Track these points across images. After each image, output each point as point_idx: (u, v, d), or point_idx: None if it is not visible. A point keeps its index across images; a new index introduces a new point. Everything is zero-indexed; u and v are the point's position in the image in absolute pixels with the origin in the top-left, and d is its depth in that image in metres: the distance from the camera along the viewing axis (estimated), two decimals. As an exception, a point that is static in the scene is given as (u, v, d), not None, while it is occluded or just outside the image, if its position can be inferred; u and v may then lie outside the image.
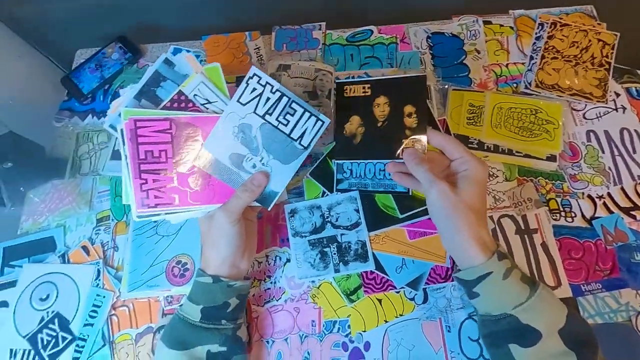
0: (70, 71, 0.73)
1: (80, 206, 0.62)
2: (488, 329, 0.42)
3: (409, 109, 0.50)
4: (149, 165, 0.45)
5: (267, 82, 0.45)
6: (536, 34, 0.68)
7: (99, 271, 0.56)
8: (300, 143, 0.46)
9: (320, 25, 0.73)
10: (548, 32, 0.67)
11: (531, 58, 0.66)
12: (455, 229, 0.42)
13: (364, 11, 0.76)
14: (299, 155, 0.47)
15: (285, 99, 0.45)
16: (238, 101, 0.45)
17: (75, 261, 0.58)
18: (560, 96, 0.62)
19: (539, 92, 0.63)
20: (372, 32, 0.72)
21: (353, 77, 0.68)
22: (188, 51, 0.70)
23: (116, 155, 0.62)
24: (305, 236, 0.56)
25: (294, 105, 0.45)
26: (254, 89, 0.45)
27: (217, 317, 0.45)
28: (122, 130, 0.45)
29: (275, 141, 0.46)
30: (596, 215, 0.56)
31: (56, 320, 0.53)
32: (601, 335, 0.50)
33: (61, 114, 0.70)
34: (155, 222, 0.58)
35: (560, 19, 0.68)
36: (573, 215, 0.56)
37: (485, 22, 0.70)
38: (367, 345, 0.51)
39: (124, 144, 0.45)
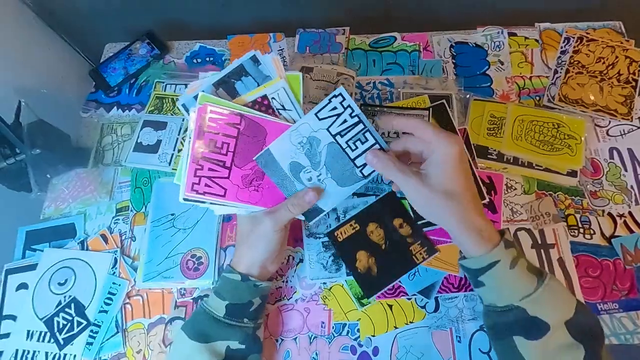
0: (99, 64, 0.75)
1: (101, 195, 0.63)
2: (493, 320, 0.41)
3: (397, 222, 0.55)
4: (209, 153, 0.45)
5: (348, 105, 0.44)
6: (562, 47, 0.68)
7: (116, 260, 0.58)
8: (361, 171, 0.45)
9: (344, 29, 0.74)
10: (574, 47, 0.66)
11: (555, 72, 0.66)
12: (442, 221, 0.41)
13: (388, 18, 0.76)
14: (357, 182, 0.46)
15: (360, 126, 0.44)
16: (316, 114, 0.44)
17: (94, 249, 0.59)
18: (584, 112, 0.62)
19: (562, 107, 0.62)
20: (395, 38, 0.72)
21: (375, 83, 0.68)
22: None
23: (138, 148, 0.63)
24: (320, 237, 0.56)
25: (367, 134, 0.44)
26: (335, 108, 0.44)
27: (240, 314, 0.45)
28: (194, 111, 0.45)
29: (338, 162, 0.45)
30: (616, 233, 0.55)
31: (72, 305, 0.55)
32: (616, 356, 0.49)
33: (88, 104, 0.72)
34: (172, 214, 0.59)
35: (587, 33, 0.67)
36: (592, 232, 0.55)
37: (510, 34, 0.70)
38: (376, 350, 0.51)
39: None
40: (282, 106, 0.47)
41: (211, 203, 0.46)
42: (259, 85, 0.48)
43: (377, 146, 0.45)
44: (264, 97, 0.47)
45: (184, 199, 0.45)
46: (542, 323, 0.37)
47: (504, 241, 0.39)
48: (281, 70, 0.48)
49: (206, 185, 0.45)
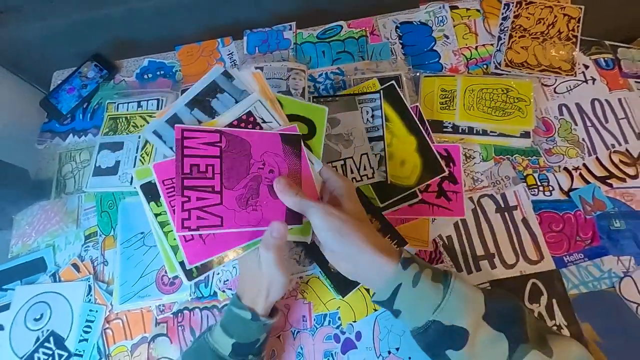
0: (48, 93, 0.74)
1: (67, 225, 0.62)
2: (422, 342, 0.41)
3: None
4: (193, 181, 0.41)
5: None
6: (503, 14, 0.69)
7: (90, 287, 0.57)
8: None
9: (290, 25, 0.74)
10: (514, 12, 0.68)
11: (499, 39, 0.67)
12: (356, 246, 0.40)
13: (332, 7, 0.77)
14: None
15: None
16: None
17: (67, 279, 0.58)
18: (530, 73, 0.63)
19: (509, 71, 0.64)
20: (341, 27, 0.73)
21: (327, 74, 0.68)
22: (161, 65, 0.71)
23: (98, 172, 0.63)
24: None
25: None
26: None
27: (246, 352, 0.44)
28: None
29: None
30: (573, 186, 0.56)
31: (51, 339, 0.54)
32: (587, 304, 0.51)
33: (42, 136, 0.71)
34: (142, 233, 0.59)
35: (525, -3, 0.69)
36: (551, 189, 0.57)
37: (452, 7, 0.71)
38: (359, 335, 0.52)
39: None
40: (262, 119, 0.46)
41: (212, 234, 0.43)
42: (236, 101, 0.46)
43: None
44: (249, 113, 0.45)
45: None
46: (459, 329, 0.38)
47: (402, 261, 0.40)
48: (263, 85, 0.46)
49: (198, 218, 0.41)
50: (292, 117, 0.48)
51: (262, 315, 0.44)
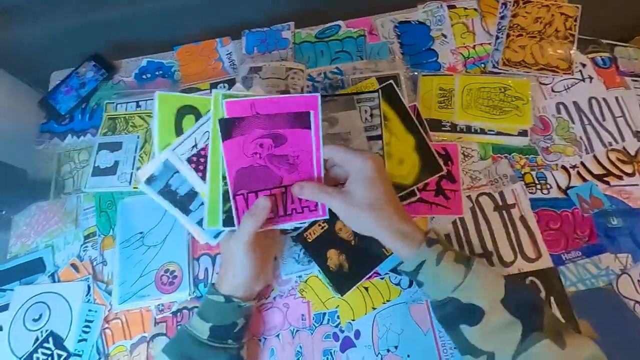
0: (47, 93, 0.74)
1: (66, 225, 0.62)
2: (438, 314, 0.44)
3: None
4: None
5: None
6: (500, 13, 0.69)
7: (89, 287, 0.57)
8: None
9: (288, 25, 0.74)
10: (512, 11, 0.68)
11: (497, 38, 0.67)
12: (371, 231, 0.43)
13: (330, 7, 0.77)
14: None
15: None
16: None
17: (65, 279, 0.58)
18: (528, 72, 0.63)
19: (507, 70, 0.64)
20: (340, 27, 0.73)
21: (325, 73, 0.68)
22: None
23: (97, 172, 0.63)
24: (288, 232, 0.57)
25: None
26: None
27: (224, 336, 0.45)
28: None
29: None
30: (571, 184, 0.57)
31: (50, 339, 0.54)
32: (585, 301, 0.51)
33: (41, 136, 0.71)
34: (141, 233, 0.59)
35: (522, -4, 0.69)
36: (549, 187, 0.57)
37: (450, 7, 0.71)
38: (358, 334, 0.52)
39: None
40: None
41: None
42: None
43: None
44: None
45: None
46: (477, 308, 0.40)
47: (427, 240, 0.42)
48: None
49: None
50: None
51: (235, 297, 0.45)
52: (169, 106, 0.46)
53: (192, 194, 0.46)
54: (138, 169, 0.62)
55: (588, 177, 0.57)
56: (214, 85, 0.69)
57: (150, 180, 0.46)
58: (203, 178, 0.45)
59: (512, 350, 0.38)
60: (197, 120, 0.46)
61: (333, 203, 0.43)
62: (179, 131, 0.46)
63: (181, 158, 0.45)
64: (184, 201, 0.46)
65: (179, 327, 0.53)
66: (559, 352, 0.37)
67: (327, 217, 0.47)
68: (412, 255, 0.42)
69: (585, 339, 0.39)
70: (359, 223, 0.44)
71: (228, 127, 0.43)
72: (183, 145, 0.45)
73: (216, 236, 0.47)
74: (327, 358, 0.51)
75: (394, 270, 0.54)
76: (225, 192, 0.44)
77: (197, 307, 0.55)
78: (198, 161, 0.45)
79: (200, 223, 0.46)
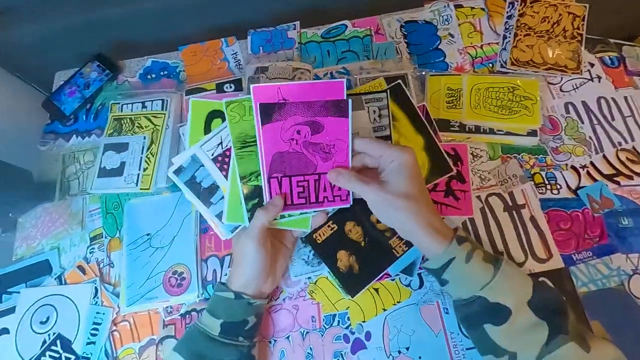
0: (51, 94, 0.73)
1: (72, 227, 0.62)
2: (462, 312, 0.44)
3: (374, 217, 0.53)
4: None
5: None
6: (507, 12, 0.69)
7: (96, 289, 0.57)
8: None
9: (294, 24, 0.74)
10: (519, 10, 0.68)
11: (504, 37, 0.67)
12: (402, 223, 0.43)
13: (336, 6, 0.76)
14: None
15: None
16: None
17: (72, 282, 0.58)
18: (536, 72, 0.63)
19: (515, 70, 0.63)
20: (346, 26, 0.72)
21: (332, 73, 0.68)
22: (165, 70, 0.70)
23: (103, 173, 0.62)
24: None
25: None
26: None
27: (235, 333, 0.45)
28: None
29: None
30: (581, 185, 0.56)
31: (58, 342, 0.54)
32: (596, 301, 0.51)
33: (45, 137, 0.70)
34: (148, 234, 0.59)
35: (530, -5, 0.69)
36: (558, 187, 0.57)
37: (457, 6, 0.71)
38: (368, 335, 0.52)
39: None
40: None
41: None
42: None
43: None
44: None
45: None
46: (504, 308, 0.40)
47: (457, 238, 0.42)
48: None
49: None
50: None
51: (245, 294, 0.46)
52: (201, 110, 0.53)
53: (214, 187, 0.51)
54: (144, 170, 0.61)
55: (598, 177, 0.57)
56: (219, 86, 0.69)
57: (178, 171, 0.51)
58: (225, 175, 0.50)
59: (535, 351, 0.38)
60: (223, 122, 0.52)
61: (368, 190, 0.43)
62: (207, 131, 0.53)
63: (207, 154, 0.50)
64: (206, 193, 0.51)
65: (187, 327, 0.53)
66: (584, 356, 0.37)
67: (350, 204, 0.49)
68: (441, 252, 0.42)
69: (607, 342, 0.39)
70: (392, 212, 0.43)
71: (268, 112, 0.44)
72: (209, 142, 0.51)
73: (232, 230, 0.51)
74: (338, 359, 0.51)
75: (405, 271, 0.53)
76: (249, 192, 0.48)
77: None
78: (223, 160, 0.50)
79: (219, 216, 0.50)
